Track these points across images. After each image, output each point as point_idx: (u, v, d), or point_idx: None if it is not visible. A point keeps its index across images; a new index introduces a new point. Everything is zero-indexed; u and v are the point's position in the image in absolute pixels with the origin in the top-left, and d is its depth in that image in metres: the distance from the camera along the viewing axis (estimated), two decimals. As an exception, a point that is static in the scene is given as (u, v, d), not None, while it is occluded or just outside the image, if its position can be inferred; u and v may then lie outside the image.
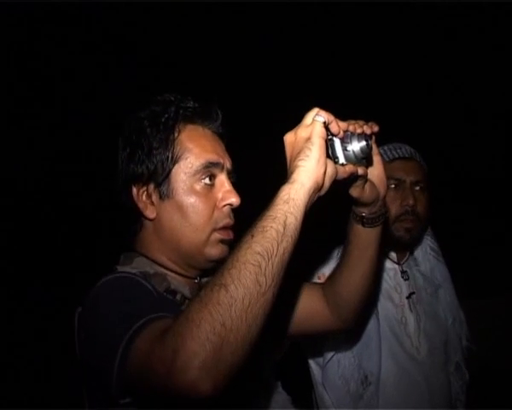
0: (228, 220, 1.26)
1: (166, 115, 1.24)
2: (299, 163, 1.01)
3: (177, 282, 1.25)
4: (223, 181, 1.26)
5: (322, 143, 1.03)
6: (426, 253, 2.03)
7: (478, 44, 4.67)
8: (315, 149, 1.01)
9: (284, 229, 0.95)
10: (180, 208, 1.22)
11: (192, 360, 0.83)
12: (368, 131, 1.13)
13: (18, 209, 5.06)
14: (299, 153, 1.03)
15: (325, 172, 1.03)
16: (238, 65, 4.58)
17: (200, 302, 0.88)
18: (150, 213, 1.24)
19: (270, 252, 0.92)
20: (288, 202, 0.98)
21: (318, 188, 1.03)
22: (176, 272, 1.27)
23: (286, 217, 0.96)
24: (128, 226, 1.32)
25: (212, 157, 1.24)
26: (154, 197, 1.24)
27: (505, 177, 4.84)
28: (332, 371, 1.84)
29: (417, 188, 1.91)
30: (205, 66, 4.31)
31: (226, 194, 1.25)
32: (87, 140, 4.73)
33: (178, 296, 1.22)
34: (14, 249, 5.13)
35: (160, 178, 1.22)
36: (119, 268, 1.24)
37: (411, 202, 1.85)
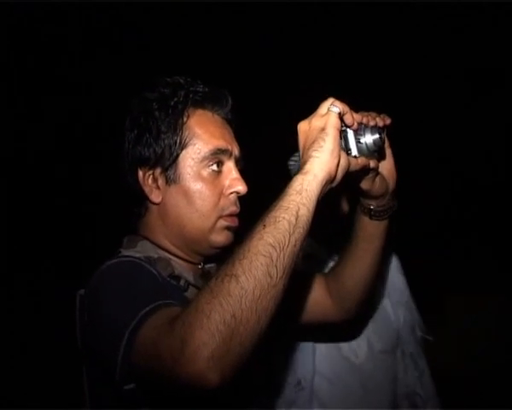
0: (234, 208, 1.25)
1: (176, 99, 1.22)
2: (313, 153, 1.00)
3: (181, 267, 1.24)
4: (230, 168, 1.25)
5: (337, 134, 1.02)
6: None
7: (479, 45, 4.67)
8: (329, 140, 1.00)
9: (296, 220, 0.94)
10: (186, 194, 1.20)
11: (201, 350, 0.83)
12: (381, 124, 1.13)
13: (16, 195, 5.06)
14: (312, 143, 1.02)
15: (338, 164, 1.02)
16: (241, 57, 4.58)
17: (210, 293, 0.87)
18: (156, 197, 1.23)
19: (281, 243, 0.91)
20: (300, 193, 0.97)
21: (331, 179, 1.02)
22: (180, 258, 1.26)
23: (298, 208, 0.95)
24: (132, 209, 1.30)
25: (221, 144, 1.22)
26: (161, 182, 1.22)
27: (505, 178, 4.87)
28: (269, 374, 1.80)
29: None
30: (207, 60, 4.31)
31: (233, 181, 1.24)
32: (89, 126, 4.72)
33: (182, 282, 1.21)
34: (12, 236, 5.13)
35: (167, 162, 1.21)
36: (123, 251, 1.23)
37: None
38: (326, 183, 1.00)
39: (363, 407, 1.76)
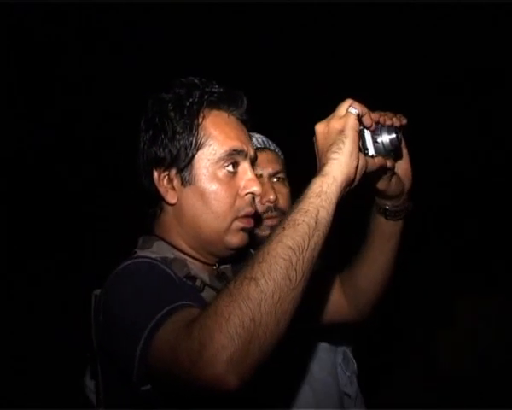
0: (250, 209, 1.24)
1: (191, 99, 1.21)
2: (332, 155, 1.00)
3: (197, 268, 1.24)
4: (246, 169, 1.24)
5: (356, 136, 1.02)
6: None
7: (478, 44, 4.67)
8: (348, 143, 1.00)
9: (316, 223, 0.94)
10: (202, 195, 1.20)
11: (220, 353, 0.83)
12: (397, 124, 1.13)
13: (15, 195, 5.05)
14: (331, 145, 1.02)
15: (357, 166, 1.02)
16: (249, 57, 4.59)
17: (229, 296, 0.87)
18: (171, 198, 1.22)
19: (301, 246, 0.91)
20: (320, 196, 0.96)
21: (350, 182, 1.02)
22: (195, 258, 1.26)
23: (318, 211, 0.95)
24: (147, 210, 1.30)
25: (236, 145, 1.22)
26: (176, 182, 1.22)
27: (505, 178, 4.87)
28: None
29: (276, 180, 1.71)
30: (212, 61, 4.31)
31: (249, 182, 1.23)
32: (103, 121, 4.72)
33: (198, 282, 1.21)
34: (19, 228, 5.12)
35: (182, 163, 1.20)
36: (139, 252, 1.23)
37: (272, 197, 1.63)
38: (345, 185, 1.01)
39: (315, 403, 1.70)
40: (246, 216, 1.24)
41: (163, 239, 1.25)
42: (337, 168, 0.99)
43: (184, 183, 1.21)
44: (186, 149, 1.20)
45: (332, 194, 0.97)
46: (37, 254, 5.18)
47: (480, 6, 4.24)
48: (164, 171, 1.22)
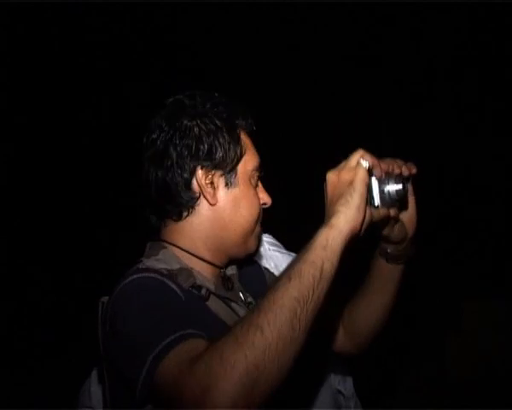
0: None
1: (227, 113, 1.28)
2: (340, 208, 1.03)
3: (202, 277, 1.27)
4: (259, 183, 1.35)
5: (365, 189, 1.05)
6: (266, 251, 1.85)
7: (479, 47, 4.65)
8: (356, 196, 1.03)
9: (321, 275, 0.97)
10: (243, 198, 1.28)
11: (223, 398, 0.87)
12: (406, 173, 1.15)
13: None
14: (340, 196, 1.05)
15: (364, 220, 1.05)
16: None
17: (235, 342, 0.91)
18: (211, 198, 1.26)
19: (305, 298, 0.95)
20: (325, 249, 1.00)
21: (355, 234, 1.05)
22: (205, 260, 1.29)
23: (323, 262, 0.98)
24: (170, 214, 1.30)
25: (259, 160, 1.33)
26: (219, 184, 1.27)
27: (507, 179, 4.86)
28: None
29: None
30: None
31: (264, 194, 1.34)
32: (118, 128, 4.72)
33: (203, 291, 1.23)
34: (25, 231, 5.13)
35: (228, 167, 1.26)
36: (145, 260, 1.26)
37: None
38: (350, 238, 1.03)
39: (307, 397, 1.72)
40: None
41: (172, 244, 1.29)
42: (343, 221, 1.02)
43: (228, 185, 1.27)
44: (233, 153, 1.26)
45: (337, 246, 1.01)
46: (37, 255, 5.21)
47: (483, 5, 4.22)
48: (209, 171, 1.26)
